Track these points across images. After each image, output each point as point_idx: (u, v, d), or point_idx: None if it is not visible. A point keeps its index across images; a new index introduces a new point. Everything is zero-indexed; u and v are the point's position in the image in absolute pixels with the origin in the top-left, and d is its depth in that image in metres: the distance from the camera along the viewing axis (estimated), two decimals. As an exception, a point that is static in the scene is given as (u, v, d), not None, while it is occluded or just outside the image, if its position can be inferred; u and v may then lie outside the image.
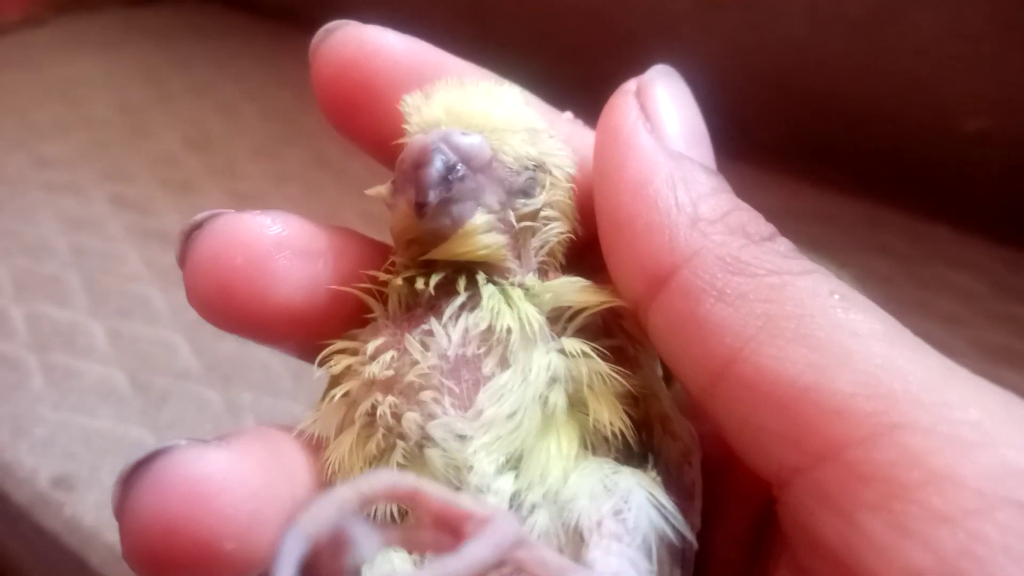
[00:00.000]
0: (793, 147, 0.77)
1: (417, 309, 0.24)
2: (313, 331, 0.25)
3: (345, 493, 0.18)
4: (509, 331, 0.23)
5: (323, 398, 0.25)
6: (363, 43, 0.26)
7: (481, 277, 0.24)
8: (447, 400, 0.23)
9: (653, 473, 0.24)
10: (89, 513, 0.55)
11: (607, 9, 0.83)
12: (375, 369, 0.24)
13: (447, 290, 0.24)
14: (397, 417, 0.23)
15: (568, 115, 0.28)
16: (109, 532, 0.54)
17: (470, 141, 0.23)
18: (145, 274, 0.73)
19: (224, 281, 0.24)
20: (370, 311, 0.25)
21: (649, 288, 0.23)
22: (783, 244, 0.23)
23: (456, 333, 0.24)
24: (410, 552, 0.22)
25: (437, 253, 0.24)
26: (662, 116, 0.24)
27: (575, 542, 0.22)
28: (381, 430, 0.23)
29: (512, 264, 0.25)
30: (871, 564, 0.19)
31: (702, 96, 0.26)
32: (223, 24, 1.16)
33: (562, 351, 0.24)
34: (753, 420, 0.21)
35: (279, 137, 0.92)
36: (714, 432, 0.24)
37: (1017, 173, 0.71)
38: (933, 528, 0.18)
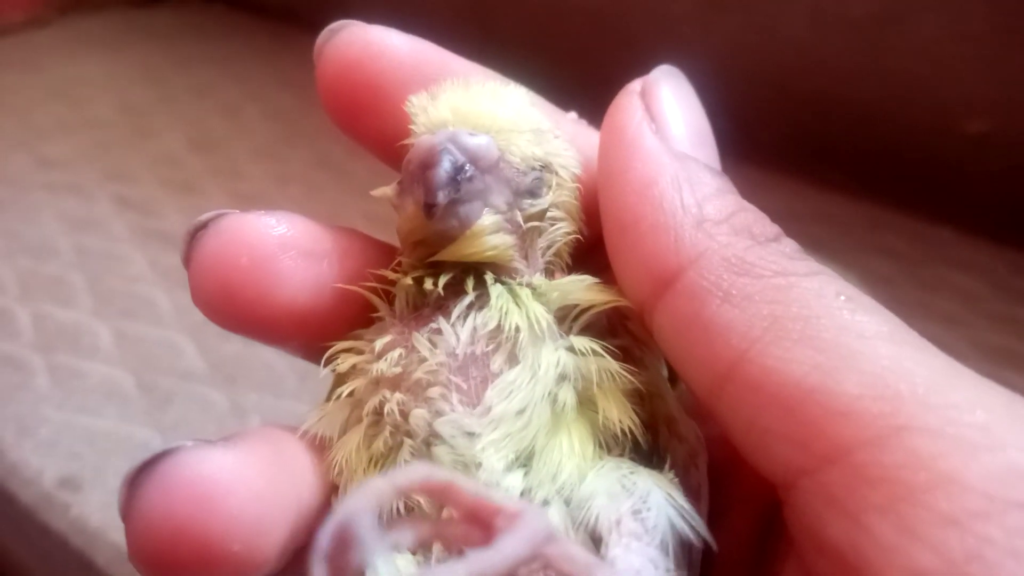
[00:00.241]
0: (794, 148, 0.77)
1: (424, 309, 0.24)
2: (318, 331, 0.25)
3: (382, 484, 0.19)
4: (518, 329, 0.23)
5: (328, 397, 0.25)
6: (368, 43, 0.26)
7: (489, 277, 0.24)
8: (455, 397, 0.23)
9: (671, 474, 0.24)
10: (95, 513, 0.55)
11: (609, 10, 0.83)
12: (382, 366, 0.24)
13: (455, 290, 0.24)
14: (404, 414, 0.23)
15: (572, 115, 0.28)
16: (115, 532, 0.54)
17: (478, 141, 0.23)
18: (149, 275, 0.73)
19: (229, 281, 0.24)
20: (375, 312, 0.25)
21: (654, 289, 0.23)
22: (789, 245, 0.23)
23: (464, 332, 0.24)
24: (440, 545, 0.22)
25: (445, 254, 0.24)
26: (667, 117, 0.24)
27: (586, 540, 0.22)
28: (388, 428, 0.24)
29: (519, 264, 0.25)
30: (878, 566, 0.19)
31: (704, 97, 0.26)
32: (225, 25, 1.16)
33: (571, 349, 0.24)
34: (759, 422, 0.21)
35: (282, 138, 0.92)
36: (720, 434, 0.24)
37: (1018, 174, 0.71)
38: (940, 531, 0.18)
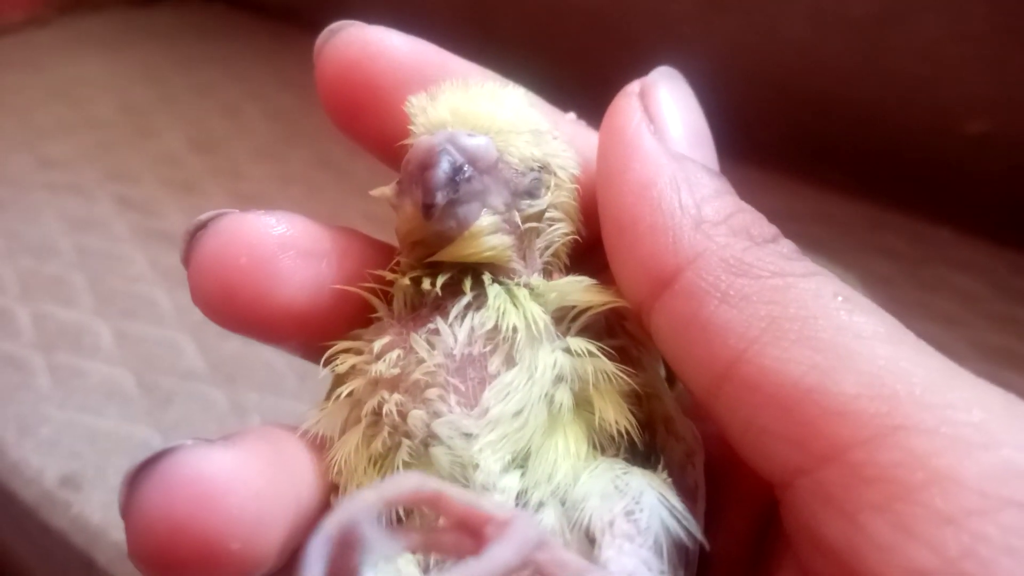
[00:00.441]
0: (794, 148, 0.77)
1: (422, 309, 0.25)
2: (317, 331, 0.25)
3: (370, 496, 0.19)
4: (515, 330, 0.24)
5: (328, 397, 0.25)
6: (367, 44, 0.26)
7: (487, 277, 0.24)
8: (453, 398, 0.23)
9: (664, 474, 0.24)
10: (96, 512, 0.55)
11: (608, 10, 0.83)
12: (381, 367, 0.24)
13: (453, 290, 0.24)
14: (403, 415, 0.23)
15: (571, 116, 0.28)
16: (115, 531, 0.54)
17: (476, 142, 0.24)
18: (150, 274, 0.74)
19: (228, 281, 0.24)
20: (374, 311, 0.25)
21: (653, 289, 0.23)
22: (786, 246, 0.23)
23: (462, 332, 0.24)
24: (423, 557, 0.23)
25: (443, 255, 0.24)
26: (665, 118, 0.24)
27: (582, 542, 0.22)
28: (387, 428, 0.24)
29: (517, 265, 0.25)
30: (874, 564, 0.19)
31: (703, 97, 0.26)
32: (226, 24, 1.16)
33: (567, 350, 0.24)
34: (756, 421, 0.21)
35: (282, 138, 0.92)
36: (717, 433, 0.24)
37: (1018, 174, 0.71)
38: (936, 529, 0.18)
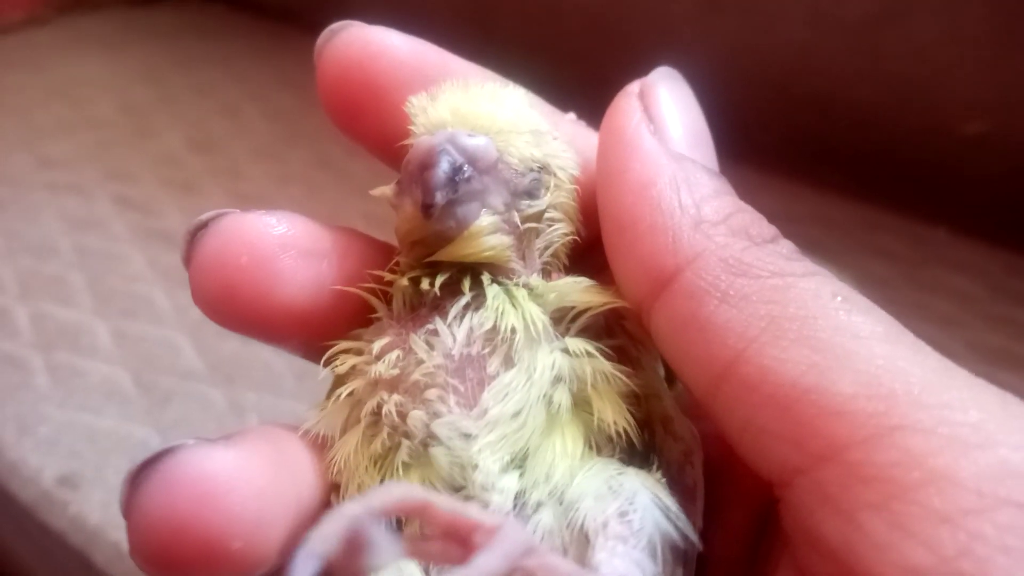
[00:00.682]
0: (792, 150, 0.77)
1: (422, 309, 0.25)
2: (317, 331, 0.25)
3: (355, 508, 0.19)
4: (513, 331, 0.24)
5: (328, 397, 0.25)
6: (368, 44, 0.26)
7: (486, 278, 0.24)
8: (452, 399, 0.23)
9: (658, 474, 0.24)
10: (94, 511, 0.56)
11: (608, 12, 0.84)
12: (380, 368, 0.24)
13: (452, 290, 0.24)
14: (402, 416, 0.23)
15: (571, 116, 0.28)
16: (114, 530, 0.55)
17: (476, 142, 0.24)
18: (149, 274, 0.74)
19: (229, 281, 0.24)
20: (374, 311, 0.25)
21: (652, 289, 0.23)
22: (786, 246, 0.23)
23: (461, 333, 0.24)
24: (420, 563, 0.23)
25: (443, 254, 0.24)
26: (665, 118, 0.24)
27: (579, 542, 0.22)
28: (386, 429, 0.24)
29: (516, 265, 0.25)
30: (871, 563, 0.19)
31: (702, 98, 0.26)
32: (226, 24, 1.16)
33: (566, 351, 0.24)
34: (755, 421, 0.21)
35: (282, 138, 0.92)
36: (715, 433, 0.24)
37: (1015, 176, 0.71)
38: (933, 528, 0.18)
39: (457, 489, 0.23)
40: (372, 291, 0.25)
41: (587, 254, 0.27)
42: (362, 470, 0.24)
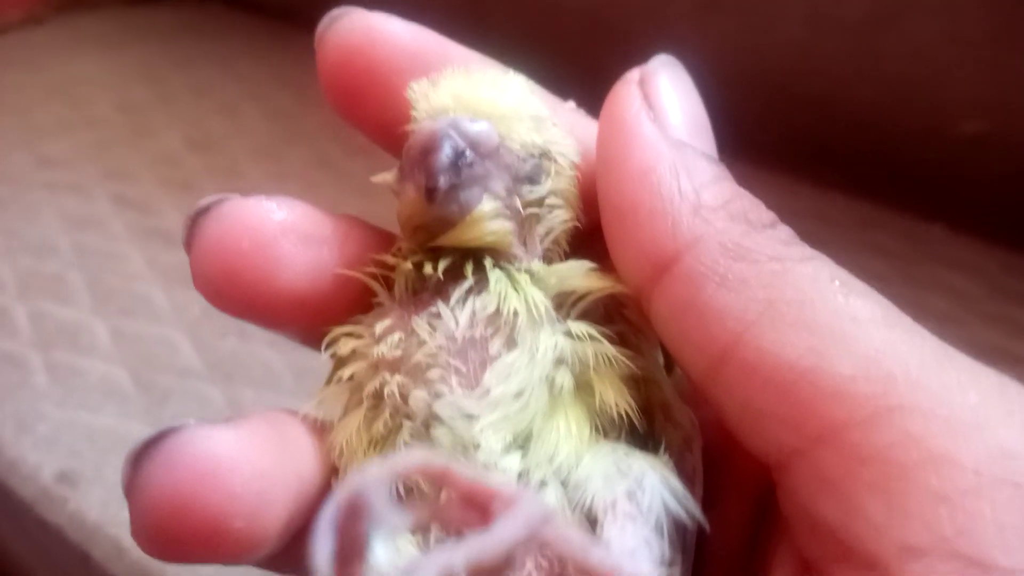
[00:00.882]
0: (790, 148, 0.77)
1: (424, 294, 0.25)
2: (318, 316, 0.25)
3: (379, 469, 0.19)
4: (516, 313, 0.24)
5: (328, 381, 0.25)
6: (369, 30, 0.26)
7: (488, 262, 0.25)
8: (454, 380, 0.23)
9: (665, 457, 0.24)
10: (93, 508, 0.56)
11: (604, 10, 0.84)
12: (382, 349, 0.24)
13: (454, 275, 0.24)
14: (404, 397, 0.24)
15: (571, 104, 0.28)
16: (112, 527, 0.55)
17: (478, 128, 0.24)
18: (147, 273, 0.74)
19: (230, 265, 0.24)
20: (375, 298, 0.25)
21: (652, 274, 0.23)
22: (784, 231, 0.23)
23: (463, 316, 0.24)
24: (439, 529, 0.23)
25: (445, 239, 0.24)
26: (665, 105, 0.24)
27: (583, 522, 0.23)
28: (388, 410, 0.24)
29: (518, 250, 0.25)
30: (869, 543, 0.19)
31: (700, 96, 0.26)
32: (224, 24, 1.17)
33: (568, 333, 0.24)
34: (754, 404, 0.21)
35: (280, 137, 0.92)
36: (714, 420, 0.24)
37: (1012, 175, 0.71)
38: (931, 507, 0.18)
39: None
40: (373, 276, 0.25)
41: (587, 243, 0.27)
42: (363, 452, 0.24)
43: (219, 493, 0.21)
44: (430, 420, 0.23)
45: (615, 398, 0.24)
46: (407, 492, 0.23)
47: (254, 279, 0.24)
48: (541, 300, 0.24)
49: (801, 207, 0.76)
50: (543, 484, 0.23)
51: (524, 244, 0.25)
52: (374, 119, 0.26)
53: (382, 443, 0.24)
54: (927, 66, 0.72)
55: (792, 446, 0.21)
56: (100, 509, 0.56)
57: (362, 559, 0.18)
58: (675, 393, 0.26)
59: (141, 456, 0.22)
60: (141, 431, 0.58)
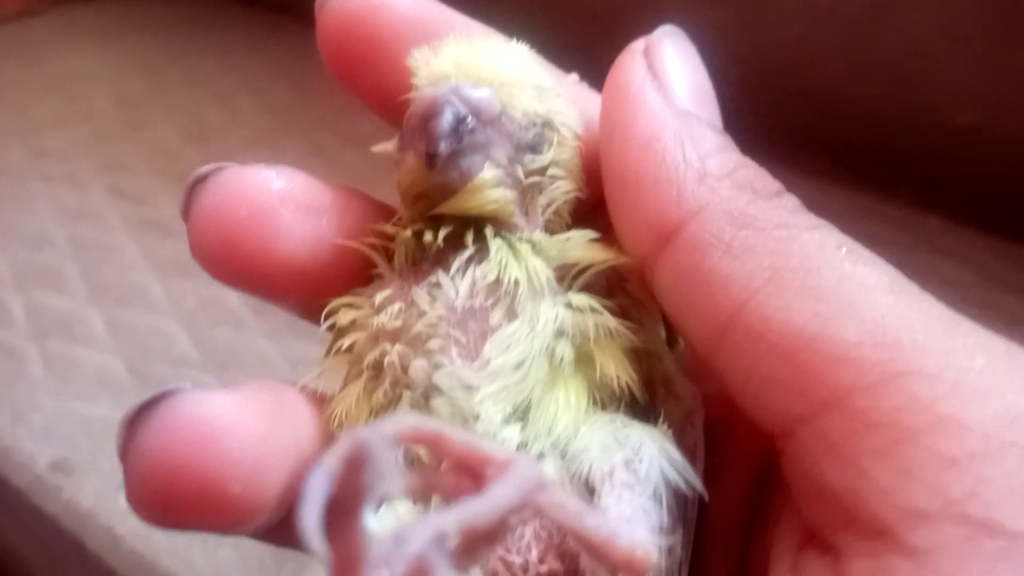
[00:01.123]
0: (785, 139, 0.77)
1: (424, 263, 0.24)
2: (317, 287, 0.25)
3: (370, 433, 0.18)
4: (516, 283, 0.23)
5: (328, 352, 0.25)
6: None
7: (489, 231, 0.24)
8: (454, 350, 0.23)
9: (664, 427, 0.24)
10: (87, 497, 0.56)
11: (599, 1, 0.84)
12: (383, 319, 0.24)
13: (454, 244, 0.24)
14: (404, 367, 0.23)
15: (574, 77, 0.28)
16: (106, 516, 0.55)
17: (480, 94, 0.23)
18: (143, 264, 0.74)
19: (228, 234, 0.24)
20: (374, 269, 0.25)
21: (656, 243, 0.23)
22: (790, 200, 0.23)
23: (464, 285, 0.24)
24: (431, 495, 0.23)
25: (445, 207, 0.24)
26: (670, 75, 0.24)
27: (581, 492, 0.22)
28: (388, 380, 0.24)
29: (519, 220, 0.25)
30: (876, 508, 0.19)
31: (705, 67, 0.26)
32: (220, 16, 1.16)
33: (569, 305, 0.24)
34: (759, 371, 0.21)
35: (277, 129, 0.92)
36: (716, 394, 0.24)
37: (1006, 166, 0.71)
38: (939, 471, 0.18)
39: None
40: (373, 247, 0.25)
41: (590, 216, 0.27)
42: (363, 422, 0.23)
43: (216, 457, 0.21)
44: (430, 391, 0.23)
45: (615, 370, 0.24)
46: (409, 463, 0.23)
47: (252, 248, 0.24)
48: (542, 269, 0.24)
49: (797, 198, 0.76)
50: (542, 456, 0.23)
51: (526, 214, 0.25)
52: (375, 87, 0.26)
53: (382, 413, 0.24)
54: (922, 59, 0.72)
55: (798, 413, 0.20)
56: (94, 498, 0.55)
57: (356, 522, 0.18)
58: (677, 367, 0.25)
59: (136, 420, 0.21)
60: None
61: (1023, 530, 0.18)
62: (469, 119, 0.23)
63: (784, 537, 0.23)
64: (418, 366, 0.23)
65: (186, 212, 0.25)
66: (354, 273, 0.25)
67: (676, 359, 0.26)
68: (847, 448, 0.20)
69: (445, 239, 0.24)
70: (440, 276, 0.24)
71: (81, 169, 0.86)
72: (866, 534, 0.19)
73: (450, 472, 0.20)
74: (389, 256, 0.25)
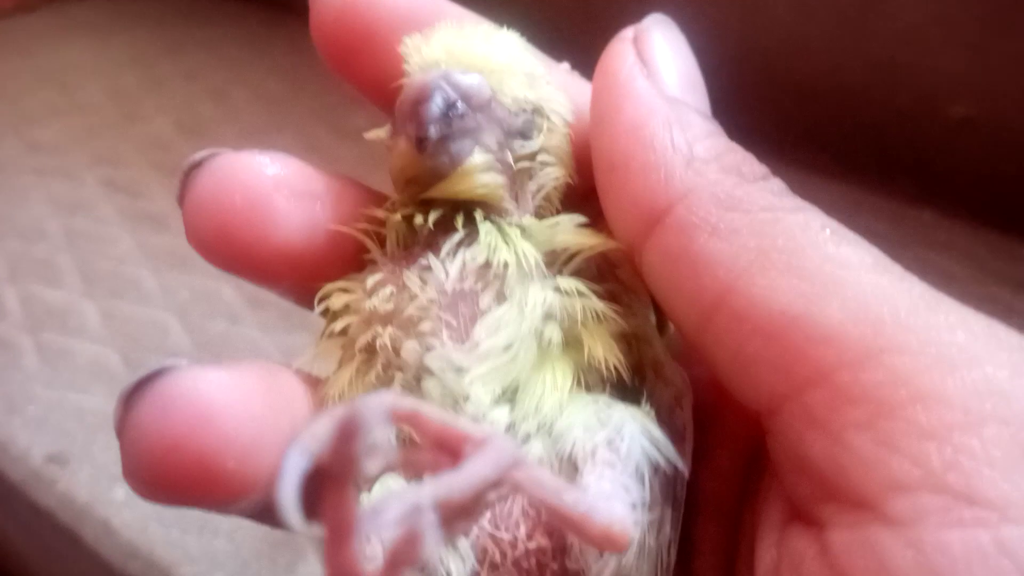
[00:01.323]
0: (777, 130, 0.77)
1: (415, 247, 0.25)
2: (310, 272, 0.25)
3: (347, 410, 0.18)
4: (506, 266, 0.24)
5: (321, 336, 0.26)
6: None
7: (479, 215, 0.25)
8: (445, 333, 0.24)
9: (647, 407, 0.24)
10: (82, 489, 0.56)
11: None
12: (374, 303, 0.24)
13: (445, 228, 0.25)
14: (397, 349, 0.24)
15: (565, 66, 0.28)
16: (102, 507, 0.55)
17: (470, 80, 0.24)
18: (137, 256, 0.74)
19: (223, 220, 0.24)
20: (367, 254, 0.25)
21: (645, 226, 0.23)
22: (776, 184, 0.23)
23: (454, 268, 0.24)
24: (409, 475, 0.23)
25: (436, 191, 0.24)
26: (659, 62, 0.24)
27: (568, 472, 0.23)
28: (380, 362, 0.24)
29: (509, 205, 0.25)
30: (858, 481, 0.19)
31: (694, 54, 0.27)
32: (214, 11, 1.16)
33: (557, 289, 0.24)
34: (745, 350, 0.21)
35: (270, 122, 0.92)
36: (705, 379, 0.25)
37: (999, 158, 0.71)
38: (919, 443, 0.19)
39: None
40: (366, 233, 0.25)
41: (580, 205, 0.27)
42: None
43: (211, 433, 0.21)
44: (421, 372, 0.23)
45: (603, 353, 0.24)
46: (402, 444, 0.24)
47: (246, 234, 0.24)
48: (532, 253, 0.24)
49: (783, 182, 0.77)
50: (529, 437, 0.23)
51: (516, 200, 0.25)
52: (368, 76, 0.26)
53: None
54: (914, 49, 0.72)
55: (783, 391, 0.21)
56: (89, 489, 0.56)
57: (344, 493, 0.18)
58: (666, 352, 0.26)
59: (133, 396, 0.22)
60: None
61: (1001, 499, 0.18)
62: (459, 104, 0.23)
63: (771, 515, 0.23)
64: (410, 348, 0.24)
65: (181, 198, 0.25)
66: (347, 259, 0.26)
67: (666, 345, 0.26)
68: (830, 423, 0.20)
69: (436, 223, 0.24)
70: (431, 259, 0.24)
71: (75, 161, 0.86)
72: (848, 506, 0.20)
73: (429, 449, 0.20)
74: (381, 242, 0.26)
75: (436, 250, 0.24)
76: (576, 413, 0.23)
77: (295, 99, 0.94)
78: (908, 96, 0.74)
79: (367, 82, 0.26)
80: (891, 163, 0.76)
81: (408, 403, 0.20)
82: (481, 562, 0.22)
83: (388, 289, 0.24)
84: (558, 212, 0.26)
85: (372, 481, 0.23)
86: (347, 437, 0.18)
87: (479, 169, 0.24)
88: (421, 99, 0.23)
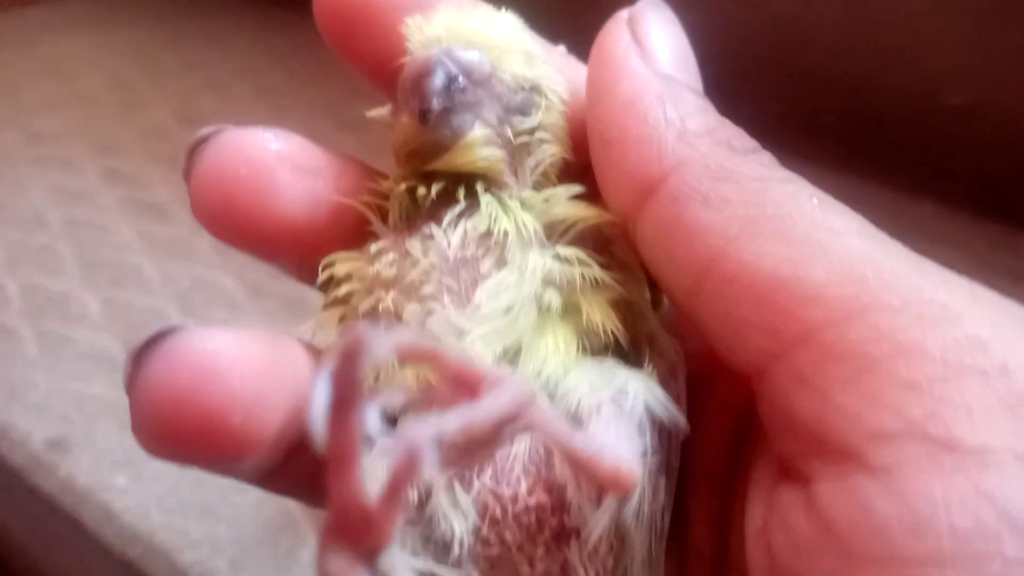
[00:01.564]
0: (776, 121, 0.77)
1: (417, 219, 0.25)
2: (313, 246, 0.26)
3: (368, 331, 0.19)
4: (506, 234, 0.24)
5: (324, 305, 0.26)
6: None
7: (480, 187, 0.25)
8: (446, 297, 0.24)
9: (650, 368, 0.25)
10: (83, 474, 0.56)
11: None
12: (377, 268, 0.25)
13: (446, 200, 0.25)
14: (399, 313, 0.24)
15: (561, 49, 0.29)
16: (102, 493, 0.55)
17: (471, 55, 0.24)
18: (137, 245, 0.74)
19: (228, 193, 0.25)
20: (369, 227, 0.26)
21: (638, 197, 0.24)
22: (766, 156, 0.24)
23: (455, 236, 0.25)
24: (427, 409, 0.23)
25: (438, 164, 0.25)
26: (653, 42, 0.25)
27: (574, 427, 0.23)
28: (383, 325, 0.24)
29: (509, 179, 0.26)
30: (843, 433, 0.20)
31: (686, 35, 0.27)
32: (216, 4, 1.17)
33: (557, 256, 0.25)
34: (735, 313, 0.22)
35: (270, 113, 0.93)
36: (698, 350, 0.25)
37: (999, 148, 0.72)
38: (900, 394, 0.19)
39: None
40: (368, 205, 0.26)
41: (577, 183, 0.28)
42: None
43: (218, 388, 0.22)
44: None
45: (601, 318, 0.25)
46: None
47: (251, 207, 0.25)
48: (531, 222, 0.25)
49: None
50: None
51: (515, 174, 0.26)
52: (369, 55, 0.27)
53: None
54: (916, 38, 0.73)
55: (771, 351, 0.21)
56: (90, 475, 0.56)
57: (352, 415, 0.18)
58: (660, 327, 0.26)
59: (142, 353, 0.22)
60: (130, 398, 0.58)
61: (979, 445, 0.19)
62: (460, 79, 0.24)
63: (761, 478, 0.24)
64: (412, 311, 0.24)
65: (187, 172, 0.26)
66: (349, 233, 0.26)
67: (660, 319, 0.27)
68: (816, 379, 0.20)
69: (437, 196, 0.25)
70: (433, 228, 0.25)
71: (75, 151, 0.87)
72: (834, 458, 0.20)
73: (446, 387, 0.21)
74: (383, 216, 0.26)
75: (438, 220, 0.25)
76: (582, 374, 0.24)
77: (295, 90, 0.94)
78: (908, 85, 0.74)
79: (368, 63, 0.27)
80: (891, 154, 0.76)
81: (429, 340, 0.21)
82: (482, 517, 0.23)
83: (391, 255, 0.25)
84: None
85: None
86: (350, 359, 0.18)
87: (480, 142, 0.25)
88: (424, 73, 0.24)
